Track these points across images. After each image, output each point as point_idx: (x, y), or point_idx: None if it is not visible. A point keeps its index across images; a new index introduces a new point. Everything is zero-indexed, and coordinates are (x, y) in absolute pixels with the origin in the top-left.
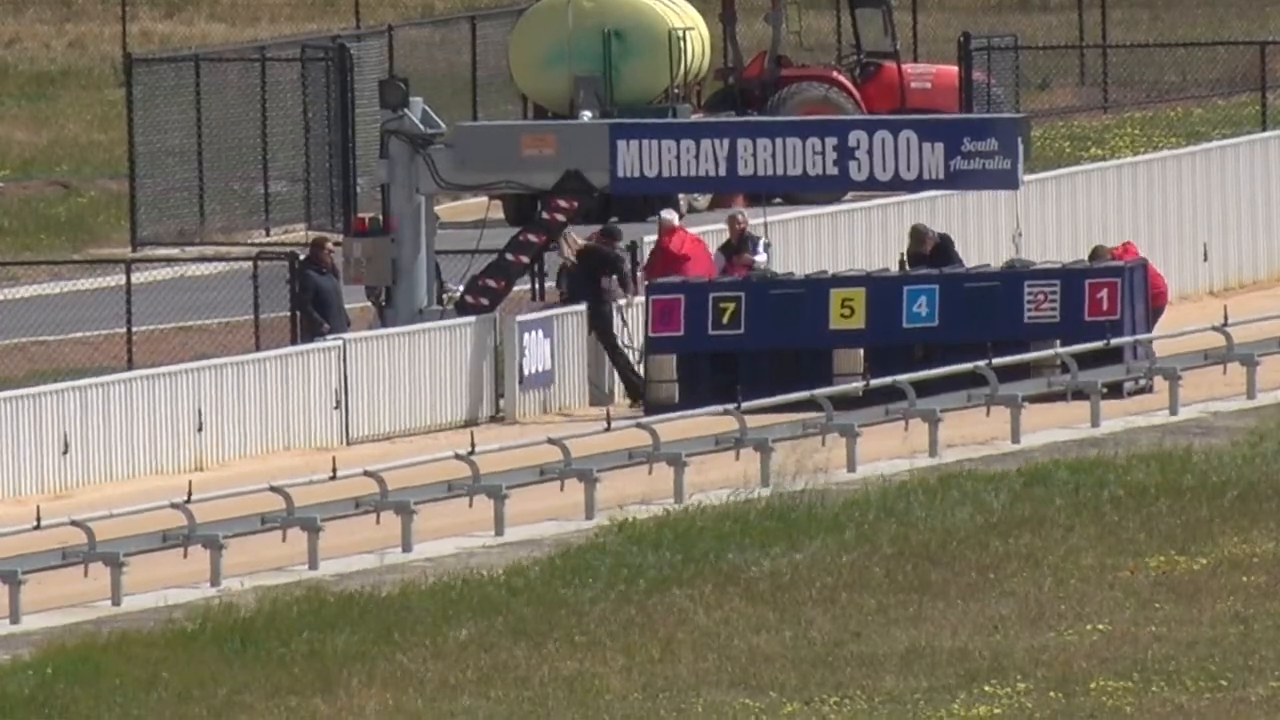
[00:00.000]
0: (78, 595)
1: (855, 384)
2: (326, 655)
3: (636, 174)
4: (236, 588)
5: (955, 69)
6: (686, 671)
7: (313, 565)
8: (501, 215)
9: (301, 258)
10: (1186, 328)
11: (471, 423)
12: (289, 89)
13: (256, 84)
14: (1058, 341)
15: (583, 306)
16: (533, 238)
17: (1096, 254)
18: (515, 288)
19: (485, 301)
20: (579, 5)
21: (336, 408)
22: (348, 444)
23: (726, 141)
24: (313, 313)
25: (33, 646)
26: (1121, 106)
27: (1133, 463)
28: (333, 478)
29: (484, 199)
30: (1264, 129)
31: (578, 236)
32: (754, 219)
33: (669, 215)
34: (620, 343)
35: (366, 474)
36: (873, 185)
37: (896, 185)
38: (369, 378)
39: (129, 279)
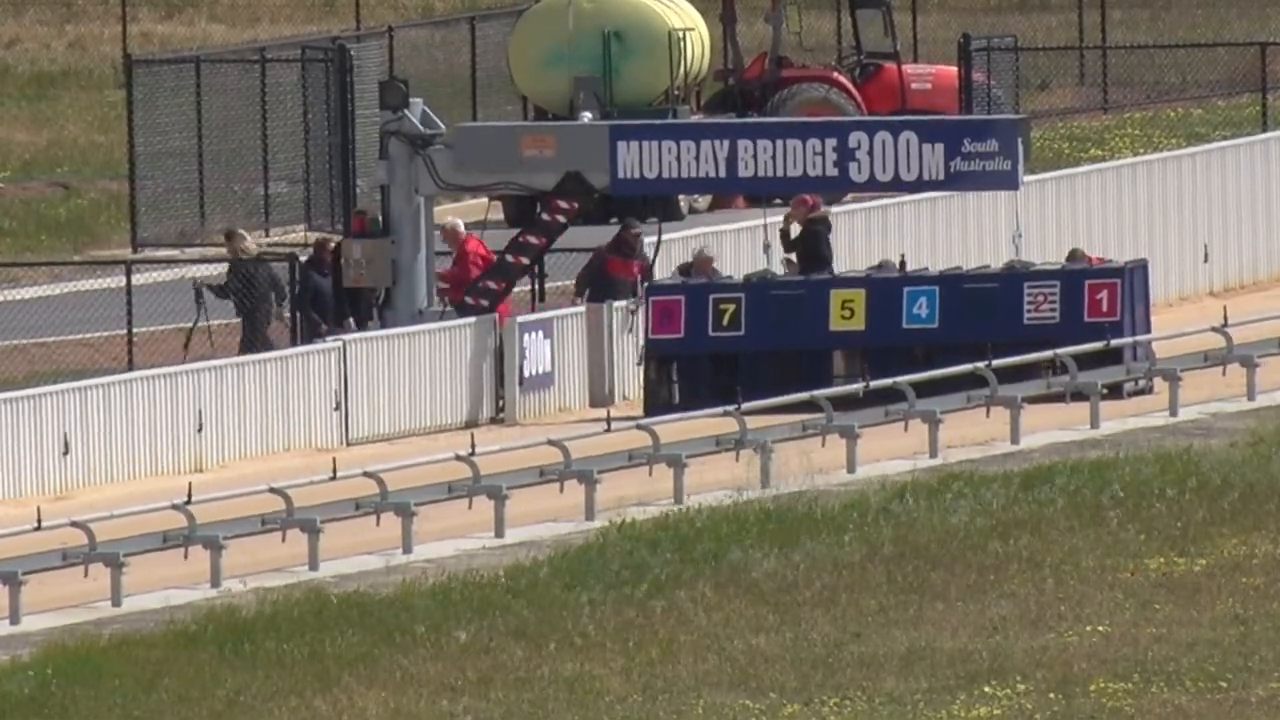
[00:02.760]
0: (78, 596)
1: (855, 385)
2: (327, 656)
3: (636, 175)
4: (237, 589)
5: (955, 70)
6: (686, 673)
7: (313, 566)
8: (501, 216)
9: (303, 259)
10: (1186, 329)
11: (472, 424)
12: (289, 90)
13: (256, 85)
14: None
15: (584, 308)
16: (533, 239)
17: (1073, 257)
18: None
19: (485, 303)
20: (579, 6)
21: (336, 409)
22: (348, 445)
23: (726, 142)
24: (310, 313)
25: (33, 647)
26: (1121, 107)
27: (1132, 464)
28: (333, 479)
29: (484, 200)
30: (1264, 130)
31: (246, 235)
32: (754, 220)
33: (459, 221)
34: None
35: (366, 475)
36: (873, 186)
37: (897, 186)
38: (369, 379)
39: (129, 280)
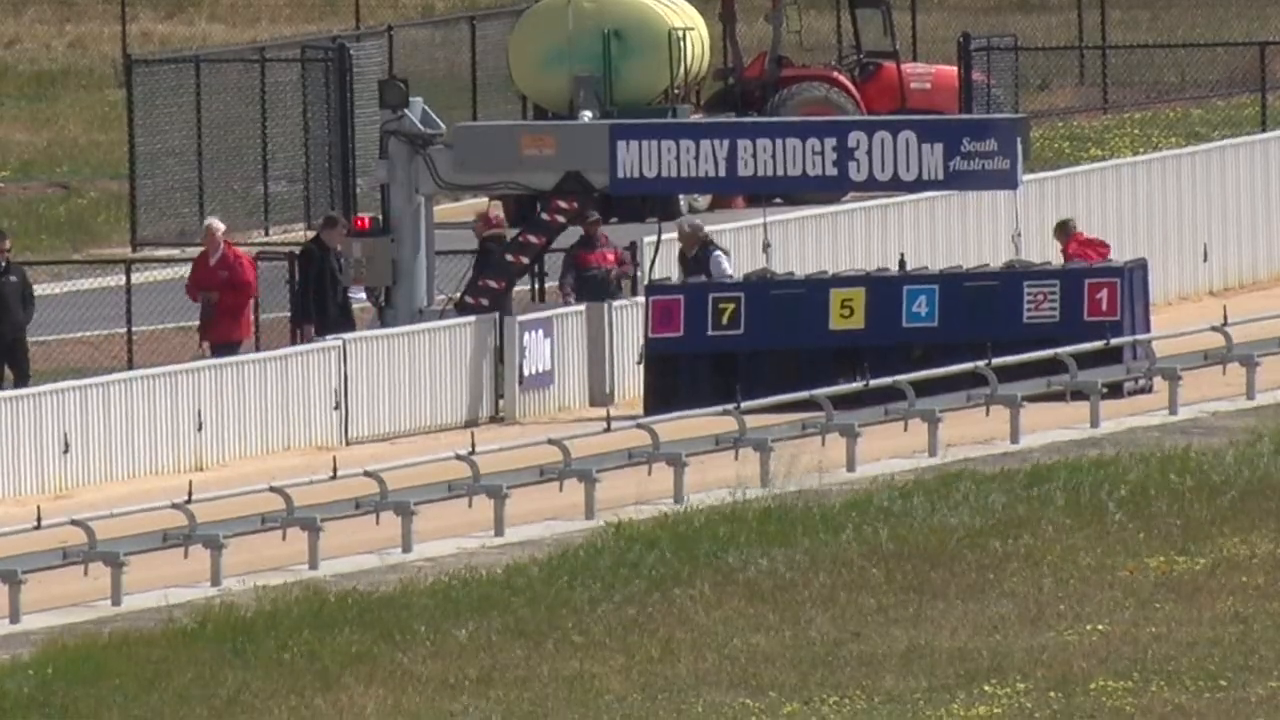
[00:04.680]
0: (78, 595)
1: (855, 384)
2: (326, 655)
3: (636, 174)
4: (237, 588)
5: (955, 69)
6: (686, 671)
7: (313, 565)
8: (501, 215)
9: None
10: (1186, 328)
11: (472, 423)
12: (289, 90)
13: (256, 85)
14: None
15: (583, 307)
16: (532, 238)
17: (1063, 228)
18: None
19: (485, 302)
20: (579, 5)
21: (336, 408)
22: (347, 444)
23: (726, 142)
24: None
25: (33, 646)
26: (1121, 107)
27: (1132, 463)
28: (333, 478)
29: (484, 199)
30: (1263, 130)
31: None
32: (753, 220)
33: (219, 223)
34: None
35: (366, 474)
36: (872, 186)
37: (896, 186)
38: (369, 378)
39: (129, 279)
